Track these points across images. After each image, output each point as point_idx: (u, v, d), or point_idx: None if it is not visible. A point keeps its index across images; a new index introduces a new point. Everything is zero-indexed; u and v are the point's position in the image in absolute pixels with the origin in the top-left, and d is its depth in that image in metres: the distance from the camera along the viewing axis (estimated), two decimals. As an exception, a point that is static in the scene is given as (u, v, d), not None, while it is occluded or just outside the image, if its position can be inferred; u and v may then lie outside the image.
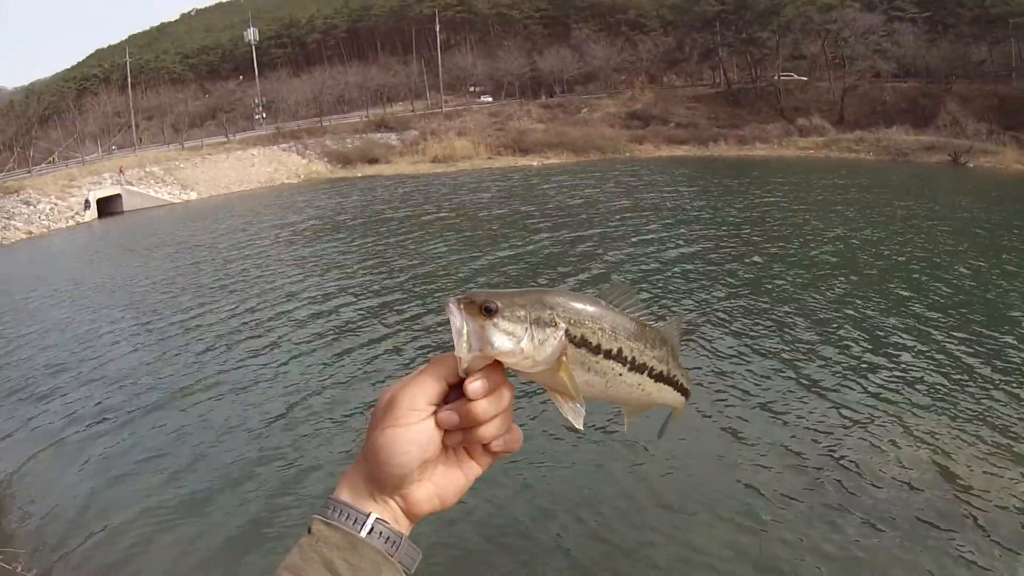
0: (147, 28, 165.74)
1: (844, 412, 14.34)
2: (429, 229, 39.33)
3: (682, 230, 34.44)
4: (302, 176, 76.38)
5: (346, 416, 16.00)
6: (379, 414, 1.39)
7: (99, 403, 18.35)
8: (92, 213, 62.06)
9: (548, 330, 1.43)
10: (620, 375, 1.54)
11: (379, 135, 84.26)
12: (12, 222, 57.22)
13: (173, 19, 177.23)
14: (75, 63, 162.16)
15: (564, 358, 1.44)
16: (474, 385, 1.37)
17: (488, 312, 1.40)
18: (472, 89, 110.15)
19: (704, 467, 12.68)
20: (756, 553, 10.26)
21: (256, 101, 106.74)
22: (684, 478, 12.31)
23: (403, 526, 1.41)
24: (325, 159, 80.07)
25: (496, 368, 1.42)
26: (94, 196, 63.26)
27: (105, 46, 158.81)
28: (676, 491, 11.92)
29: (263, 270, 32.90)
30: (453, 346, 1.39)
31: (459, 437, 1.42)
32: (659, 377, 1.64)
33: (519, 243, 33.59)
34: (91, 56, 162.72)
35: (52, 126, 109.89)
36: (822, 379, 16.06)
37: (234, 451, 14.89)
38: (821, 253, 29.23)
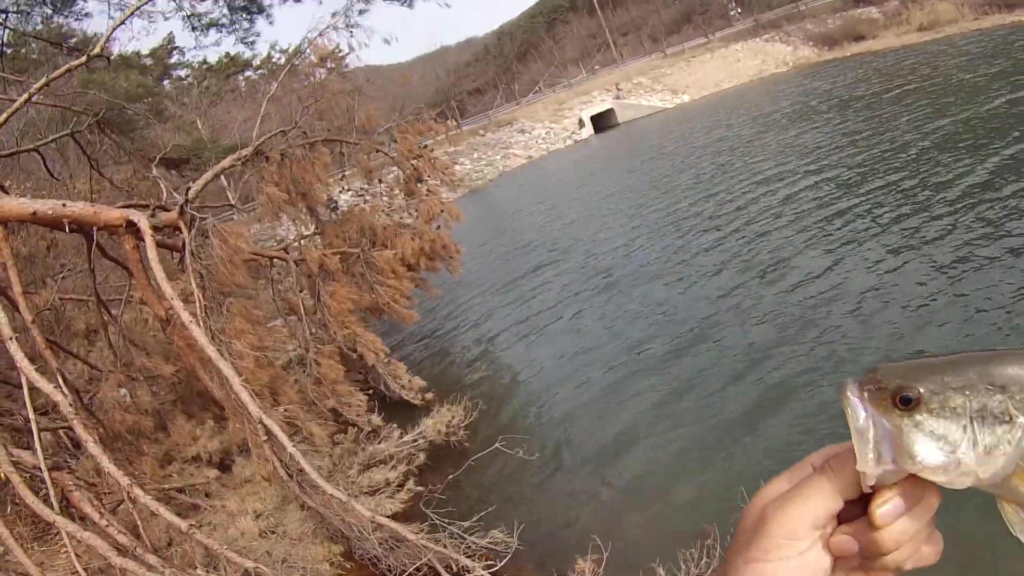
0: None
1: None
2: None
3: None
4: (790, 63, 71.74)
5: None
6: (744, 536, 1.06)
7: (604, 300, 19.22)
8: (588, 130, 63.84)
9: (1000, 429, 0.94)
10: None
11: (859, 10, 77.19)
12: (511, 150, 60.78)
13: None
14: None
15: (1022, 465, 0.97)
16: (884, 510, 1.00)
17: (906, 403, 0.95)
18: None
19: None
20: None
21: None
22: None
23: None
24: (810, 43, 74.75)
25: (916, 478, 0.99)
26: (587, 114, 64.81)
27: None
28: None
29: (754, 159, 30.47)
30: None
31: (856, 562, 1.05)
32: None
33: None
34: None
35: (531, 59, 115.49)
36: None
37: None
38: None
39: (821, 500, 0.99)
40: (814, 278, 15.48)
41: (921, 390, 0.91)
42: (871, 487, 0.96)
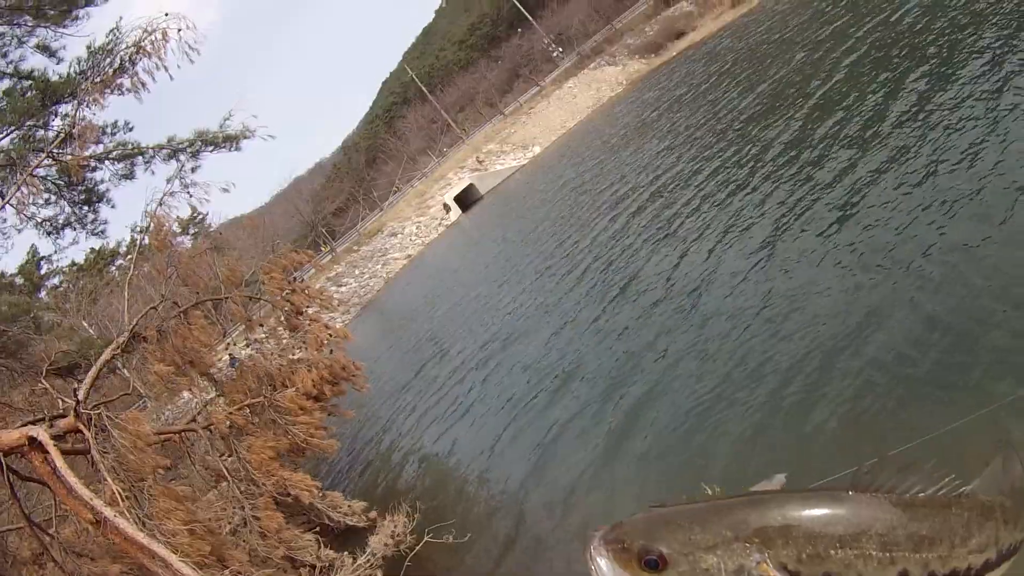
0: (413, 40, 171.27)
1: None
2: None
3: None
4: (624, 81, 74.25)
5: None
6: None
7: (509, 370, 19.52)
8: (455, 212, 65.26)
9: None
10: None
11: (672, 9, 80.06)
12: (389, 255, 61.62)
13: (430, 20, 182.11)
14: (371, 104, 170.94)
15: None
16: None
17: (652, 567, 0.98)
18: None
19: None
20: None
21: (546, 42, 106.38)
22: None
23: None
24: (636, 56, 77.36)
25: None
26: (449, 197, 66.25)
27: (388, 76, 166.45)
28: None
29: (606, 191, 31.73)
30: None
31: None
32: (984, 568, 1.09)
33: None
34: (381, 90, 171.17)
35: (381, 163, 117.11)
36: None
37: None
38: None
39: None
40: (662, 281, 16.87)
41: (665, 551, 0.94)
42: None
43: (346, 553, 13.72)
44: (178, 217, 17.22)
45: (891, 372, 8.95)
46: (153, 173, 18.60)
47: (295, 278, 18.48)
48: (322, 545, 14.14)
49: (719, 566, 0.94)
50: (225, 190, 18.14)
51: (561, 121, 72.58)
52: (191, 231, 18.17)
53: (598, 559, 1.01)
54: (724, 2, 70.42)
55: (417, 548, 12.59)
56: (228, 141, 19.03)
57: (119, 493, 10.48)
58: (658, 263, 18.11)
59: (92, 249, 75.61)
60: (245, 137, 19.30)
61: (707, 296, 14.78)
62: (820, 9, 35.28)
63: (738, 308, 13.21)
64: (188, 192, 17.03)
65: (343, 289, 52.77)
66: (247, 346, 19.05)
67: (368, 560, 13.14)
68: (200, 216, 17.24)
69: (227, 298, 16.72)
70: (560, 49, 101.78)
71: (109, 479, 10.82)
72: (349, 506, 16.10)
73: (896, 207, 12.51)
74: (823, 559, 0.92)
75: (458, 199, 66.05)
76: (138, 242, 17.09)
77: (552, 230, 32.20)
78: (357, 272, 58.98)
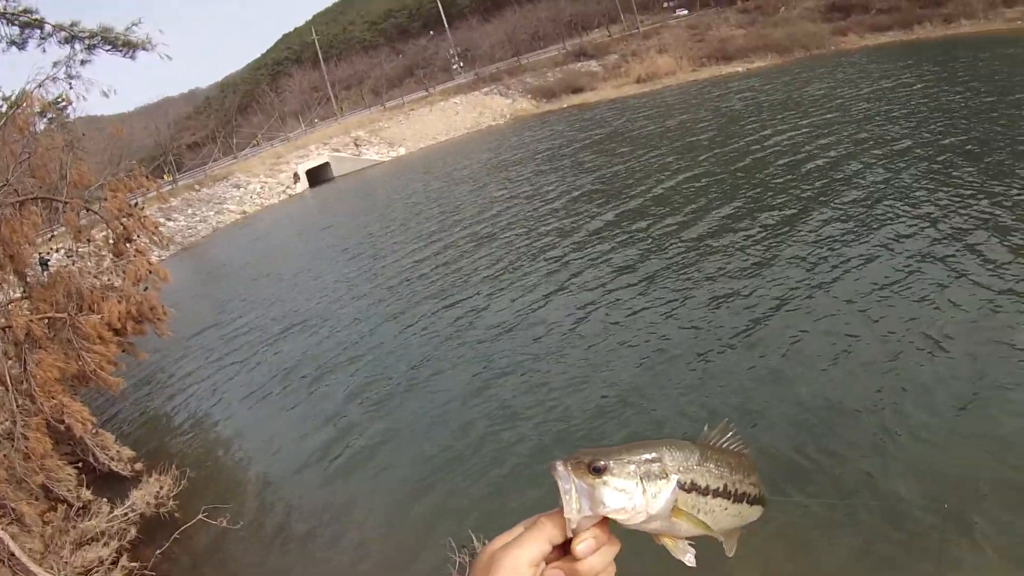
0: (330, 5, 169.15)
1: None
2: (644, 147, 37.13)
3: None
4: (508, 115, 76.28)
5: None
6: (479, 574, 1.41)
7: (298, 359, 20.78)
8: (303, 184, 65.73)
9: (660, 482, 1.49)
10: (725, 509, 1.62)
11: (579, 64, 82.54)
12: (225, 206, 61.14)
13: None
14: (264, 51, 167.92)
15: (676, 506, 1.50)
16: (582, 546, 1.42)
17: (597, 471, 1.45)
18: (666, 4, 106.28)
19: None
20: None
21: (451, 52, 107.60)
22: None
23: None
24: (528, 96, 79.57)
25: (603, 524, 1.46)
26: (302, 168, 66.64)
27: (291, 30, 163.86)
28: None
29: (459, 210, 34.69)
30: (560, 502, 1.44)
31: None
32: (755, 500, 1.72)
33: (731, 151, 30.56)
34: (279, 42, 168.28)
35: (252, 112, 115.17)
36: None
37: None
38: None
39: (535, 545, 1.41)
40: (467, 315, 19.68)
41: (608, 461, 1.44)
42: (573, 531, 1.43)
43: (105, 500, 13.59)
44: (41, 98, 16.16)
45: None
46: (44, 51, 17.93)
47: (135, 203, 18.39)
48: (83, 484, 14.12)
49: (636, 469, 1.54)
50: (106, 95, 17.91)
51: (435, 132, 74.04)
52: (48, 115, 17.24)
53: (559, 468, 1.52)
54: (630, 76, 73.63)
55: (190, 523, 12.56)
56: (127, 47, 17.47)
57: None
58: (442, 293, 21.70)
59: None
60: (144, 49, 19.02)
61: (475, 332, 18.23)
62: (705, 113, 39.23)
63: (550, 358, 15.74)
64: (70, 83, 16.95)
65: (171, 224, 51.87)
66: (67, 255, 18.73)
67: (126, 513, 13.11)
68: (63, 103, 17.01)
69: (67, 203, 16.40)
70: (462, 64, 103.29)
71: None
72: (118, 451, 15.85)
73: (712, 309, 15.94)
74: (690, 470, 1.58)
75: (310, 172, 66.73)
76: (6, 115, 16.03)
77: (378, 234, 34.54)
78: (190, 212, 58.63)
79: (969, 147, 22.25)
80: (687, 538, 1.55)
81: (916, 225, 16.98)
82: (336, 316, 23.25)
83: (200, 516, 12.47)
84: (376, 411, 15.90)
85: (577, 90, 76.51)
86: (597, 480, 1.43)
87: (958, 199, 17.99)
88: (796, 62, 58.91)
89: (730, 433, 1.71)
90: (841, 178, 22.16)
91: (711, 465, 1.59)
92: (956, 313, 12.84)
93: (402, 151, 71.10)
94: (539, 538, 1.42)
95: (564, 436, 12.49)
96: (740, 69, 64.06)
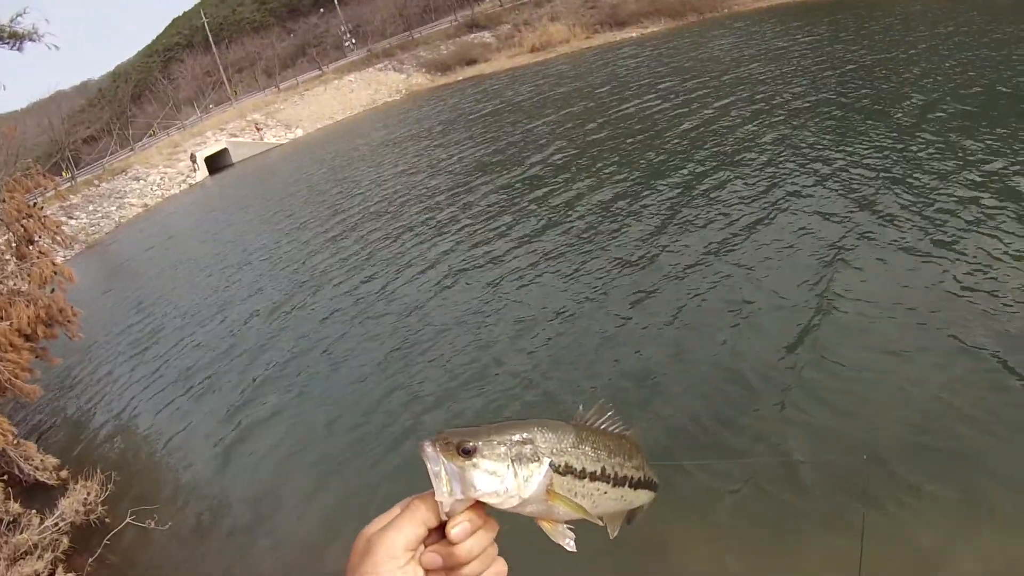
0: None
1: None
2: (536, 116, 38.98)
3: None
4: (403, 91, 77.04)
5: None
6: (355, 560, 1.42)
7: (205, 355, 20.68)
8: (202, 172, 65.22)
9: (532, 465, 1.49)
10: (605, 493, 1.64)
11: (472, 36, 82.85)
12: (126, 200, 60.60)
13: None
14: (154, 38, 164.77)
15: (550, 489, 1.51)
16: (456, 530, 1.42)
17: (467, 453, 1.44)
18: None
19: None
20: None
21: (342, 29, 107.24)
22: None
23: None
24: (423, 70, 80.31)
25: (478, 507, 1.46)
26: (201, 155, 66.20)
27: (180, 14, 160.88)
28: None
29: (360, 189, 35.49)
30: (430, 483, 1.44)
31: (443, 575, 1.45)
32: (638, 484, 1.77)
33: (618, 115, 32.33)
34: (169, 26, 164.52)
35: (146, 101, 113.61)
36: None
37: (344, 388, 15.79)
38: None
39: (411, 526, 1.40)
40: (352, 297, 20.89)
41: (478, 444, 1.42)
42: (447, 515, 1.41)
43: (34, 511, 13.35)
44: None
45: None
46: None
47: (35, 203, 18.36)
48: (11, 498, 13.88)
49: (507, 451, 1.60)
50: (-3, 88, 18.16)
51: (331, 112, 74.50)
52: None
53: (428, 449, 1.48)
54: (523, 45, 74.63)
55: (118, 528, 12.55)
56: (14, 38, 18.60)
57: None
58: (343, 271, 22.76)
59: None
60: (31, 39, 18.83)
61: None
62: (599, 79, 42.34)
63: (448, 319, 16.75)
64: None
65: (73, 223, 51.36)
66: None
67: (56, 523, 12.92)
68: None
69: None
70: (354, 41, 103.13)
71: None
72: (42, 460, 15.53)
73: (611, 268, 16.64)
74: (563, 452, 1.66)
75: (209, 160, 66.41)
76: None
77: (278, 218, 35.53)
78: (91, 208, 58.14)
79: (864, 103, 23.38)
80: (567, 522, 1.56)
81: (812, 186, 17.51)
82: (243, 304, 24.03)
83: (128, 520, 12.56)
84: (289, 396, 16.15)
85: (471, 62, 77.34)
86: (467, 462, 1.43)
87: (853, 157, 18.61)
88: (690, 26, 59.85)
89: (608, 413, 1.73)
90: (735, 140, 23.15)
91: (587, 448, 1.59)
92: (851, 272, 13.15)
93: (299, 132, 71.50)
94: (413, 521, 1.43)
95: (460, 413, 12.81)
96: (634, 35, 65.22)
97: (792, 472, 8.97)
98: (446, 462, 1.44)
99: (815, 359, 11.05)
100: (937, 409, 9.18)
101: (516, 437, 1.51)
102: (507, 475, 1.46)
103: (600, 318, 14.53)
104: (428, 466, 1.45)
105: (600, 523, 1.72)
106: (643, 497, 1.84)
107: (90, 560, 12.27)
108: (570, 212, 21.29)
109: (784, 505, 8.53)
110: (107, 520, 13.13)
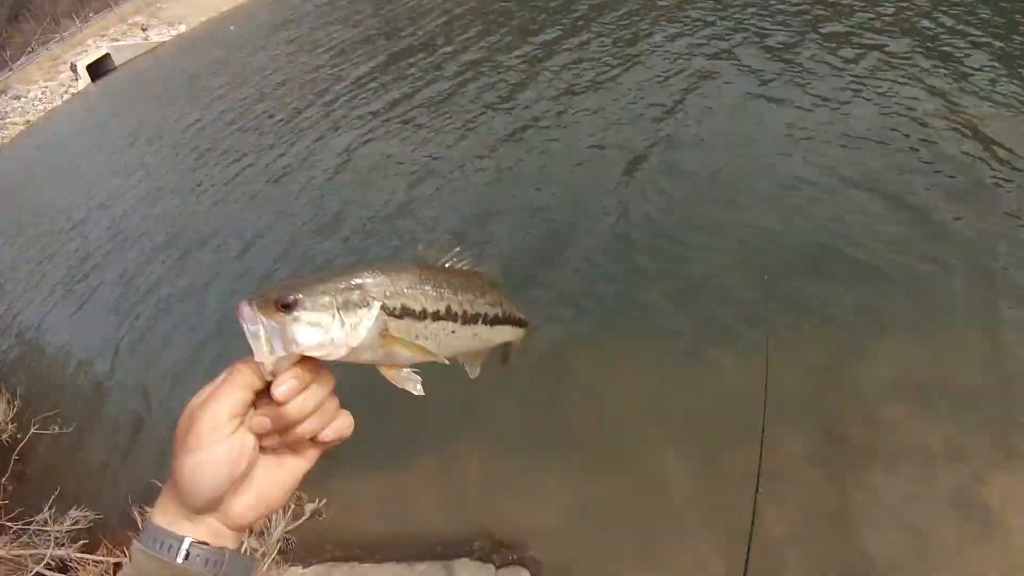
0: None
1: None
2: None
3: None
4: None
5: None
6: (180, 435, 1.32)
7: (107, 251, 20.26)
8: (84, 80, 63.35)
9: (360, 311, 1.41)
10: (453, 332, 1.57)
11: None
12: (8, 120, 59.34)
13: None
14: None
15: (388, 334, 1.42)
16: (282, 389, 1.32)
17: (286, 307, 1.34)
18: None
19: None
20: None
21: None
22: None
23: (228, 539, 1.36)
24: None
25: (306, 362, 1.35)
26: (81, 64, 64.33)
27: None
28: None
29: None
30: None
31: (277, 439, 1.37)
32: (495, 320, 1.69)
33: None
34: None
35: (23, 20, 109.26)
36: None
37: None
38: None
39: (233, 394, 1.30)
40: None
41: (299, 296, 1.33)
42: (272, 375, 1.32)
43: None
44: None
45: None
46: None
47: None
48: None
49: (332, 300, 1.44)
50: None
51: (217, 4, 71.12)
52: None
53: (244, 309, 1.37)
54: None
55: (24, 441, 12.17)
56: None
57: None
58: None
59: None
60: None
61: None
62: None
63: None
64: None
65: None
66: None
67: None
68: None
69: None
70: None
71: None
72: None
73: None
74: (398, 295, 1.51)
75: (91, 67, 64.48)
76: None
77: (164, 116, 33.72)
78: None
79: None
80: (413, 366, 1.49)
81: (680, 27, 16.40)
82: (140, 202, 23.13)
83: (32, 430, 12.19)
84: (171, 286, 15.92)
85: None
86: (288, 317, 1.33)
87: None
88: None
89: (455, 250, 1.64)
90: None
91: (427, 287, 1.52)
92: (708, 101, 12.61)
93: (182, 28, 69.36)
94: (236, 386, 1.32)
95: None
96: None
97: (694, 296, 8.68)
98: (264, 320, 1.31)
99: (680, 182, 10.71)
100: (827, 232, 8.86)
101: (343, 284, 1.40)
102: (332, 325, 1.36)
103: (463, 164, 14.24)
104: (245, 327, 1.31)
105: (447, 363, 1.58)
106: (505, 334, 1.77)
107: (3, 479, 11.56)
108: (442, 72, 20.55)
109: (689, 330, 8.26)
110: (19, 436, 12.60)
